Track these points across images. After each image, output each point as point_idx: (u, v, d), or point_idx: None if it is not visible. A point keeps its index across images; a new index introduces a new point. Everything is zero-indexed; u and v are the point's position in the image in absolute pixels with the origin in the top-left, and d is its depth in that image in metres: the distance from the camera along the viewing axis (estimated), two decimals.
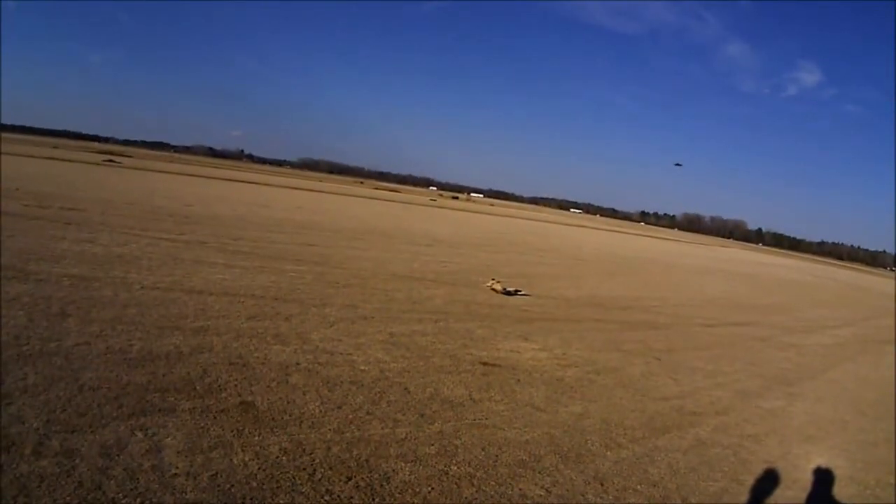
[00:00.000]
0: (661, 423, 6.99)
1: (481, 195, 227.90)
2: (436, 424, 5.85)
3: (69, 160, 54.47)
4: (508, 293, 14.01)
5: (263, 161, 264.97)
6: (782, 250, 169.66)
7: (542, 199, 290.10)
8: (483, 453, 5.37)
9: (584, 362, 9.15)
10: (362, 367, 7.20)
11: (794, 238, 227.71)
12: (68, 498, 3.73)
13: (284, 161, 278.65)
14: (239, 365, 6.58)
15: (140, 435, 4.64)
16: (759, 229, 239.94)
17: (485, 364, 8.17)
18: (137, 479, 4.04)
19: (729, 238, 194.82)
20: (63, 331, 6.76)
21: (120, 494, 3.84)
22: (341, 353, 7.61)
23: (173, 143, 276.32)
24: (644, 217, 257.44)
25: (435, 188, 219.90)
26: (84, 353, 6.17)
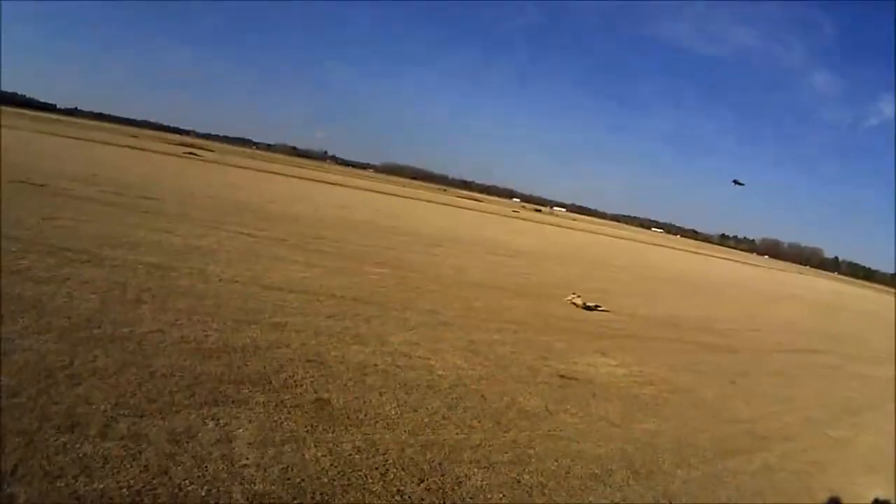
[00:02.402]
0: (732, 446, 6.96)
1: (564, 209, 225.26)
2: (510, 433, 5.88)
3: (149, 150, 58.03)
4: (588, 308, 14.05)
5: (347, 163, 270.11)
6: (857, 279, 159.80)
7: (623, 216, 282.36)
8: (556, 464, 5.40)
9: (659, 381, 9.06)
10: (440, 373, 7.19)
11: (868, 268, 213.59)
12: (132, 481, 3.84)
13: (368, 164, 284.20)
14: (316, 362, 6.67)
15: (211, 424, 4.74)
16: (836, 258, 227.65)
17: (562, 377, 8.14)
18: (206, 467, 4.13)
19: (805, 265, 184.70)
20: (137, 317, 7.08)
21: (186, 481, 3.93)
22: (420, 357, 7.62)
23: (255, 139, 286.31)
24: (724, 240, 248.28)
25: (517, 200, 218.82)
26: (157, 340, 6.43)
